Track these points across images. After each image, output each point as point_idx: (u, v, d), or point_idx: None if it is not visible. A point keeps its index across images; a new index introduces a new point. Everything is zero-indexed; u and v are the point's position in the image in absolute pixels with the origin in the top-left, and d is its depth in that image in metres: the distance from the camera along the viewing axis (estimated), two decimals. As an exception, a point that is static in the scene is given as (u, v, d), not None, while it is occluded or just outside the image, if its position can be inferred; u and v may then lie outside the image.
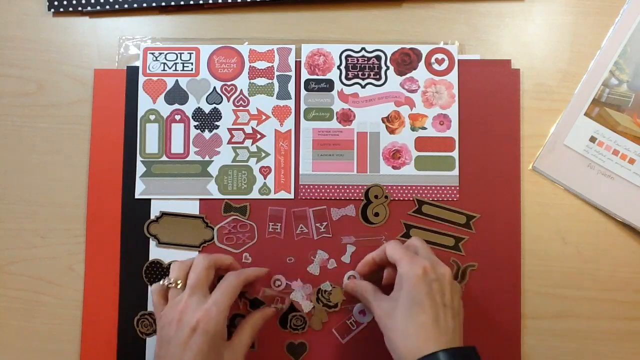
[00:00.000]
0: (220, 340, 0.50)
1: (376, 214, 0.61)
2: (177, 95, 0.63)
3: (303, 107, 0.63)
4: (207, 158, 0.63)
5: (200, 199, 0.62)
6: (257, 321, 0.56)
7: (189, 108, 0.63)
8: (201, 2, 0.64)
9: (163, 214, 0.62)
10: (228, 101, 0.63)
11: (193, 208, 0.62)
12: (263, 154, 0.63)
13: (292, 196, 0.62)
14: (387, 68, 0.63)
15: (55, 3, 0.64)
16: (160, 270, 0.61)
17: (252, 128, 0.63)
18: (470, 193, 0.62)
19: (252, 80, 0.63)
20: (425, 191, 0.62)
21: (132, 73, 0.63)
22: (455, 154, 0.62)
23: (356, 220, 0.62)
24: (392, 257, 0.53)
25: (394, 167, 0.62)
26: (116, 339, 0.61)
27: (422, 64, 0.63)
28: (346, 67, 0.63)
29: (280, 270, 0.61)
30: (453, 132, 0.62)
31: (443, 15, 0.64)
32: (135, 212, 0.62)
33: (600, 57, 0.62)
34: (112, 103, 0.63)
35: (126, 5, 0.64)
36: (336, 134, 0.63)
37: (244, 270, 0.57)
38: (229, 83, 0.63)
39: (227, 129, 0.63)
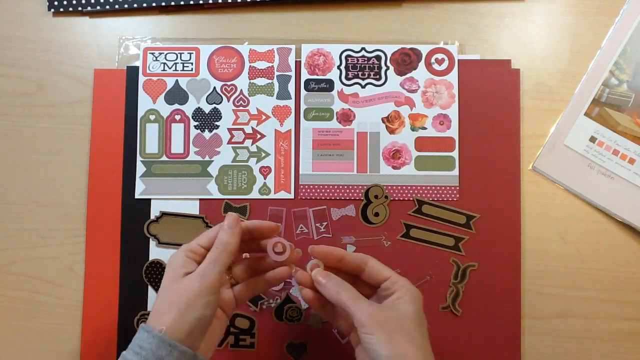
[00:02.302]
0: (180, 271, 0.47)
1: (376, 214, 0.61)
2: (177, 95, 0.63)
3: (303, 107, 0.63)
4: (207, 158, 0.63)
5: (200, 199, 0.62)
6: (214, 253, 0.48)
7: (189, 108, 0.63)
8: (201, 2, 0.64)
9: (163, 214, 0.62)
10: (228, 101, 0.63)
11: (193, 208, 0.62)
12: (263, 154, 0.63)
13: (292, 196, 0.62)
14: (387, 68, 0.63)
15: (55, 3, 0.64)
16: (160, 270, 0.61)
17: (252, 128, 0.63)
18: (470, 193, 0.62)
19: (252, 80, 0.63)
20: (425, 191, 0.62)
21: (132, 73, 0.63)
22: (455, 154, 0.62)
23: (356, 220, 0.62)
24: (383, 272, 0.50)
25: (394, 167, 0.62)
26: (116, 338, 0.61)
27: (422, 64, 0.63)
28: (346, 67, 0.63)
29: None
30: (453, 132, 0.62)
31: (443, 15, 0.64)
32: (135, 212, 0.62)
33: (600, 57, 0.62)
34: (112, 103, 0.63)
35: (126, 5, 0.64)
36: (336, 134, 0.63)
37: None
38: (229, 83, 0.63)
39: (227, 129, 0.63)
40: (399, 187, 0.62)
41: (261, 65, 0.63)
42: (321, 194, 0.62)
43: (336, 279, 0.50)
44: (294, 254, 0.52)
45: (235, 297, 0.52)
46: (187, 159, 0.63)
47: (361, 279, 0.51)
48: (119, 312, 0.61)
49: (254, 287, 0.53)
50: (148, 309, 0.61)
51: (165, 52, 0.64)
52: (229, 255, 0.48)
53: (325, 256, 0.51)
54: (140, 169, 0.62)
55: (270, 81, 0.63)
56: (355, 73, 0.63)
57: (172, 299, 0.46)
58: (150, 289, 0.61)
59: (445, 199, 0.62)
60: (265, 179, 0.62)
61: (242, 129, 0.63)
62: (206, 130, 0.63)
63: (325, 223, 0.62)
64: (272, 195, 0.62)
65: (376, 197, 0.61)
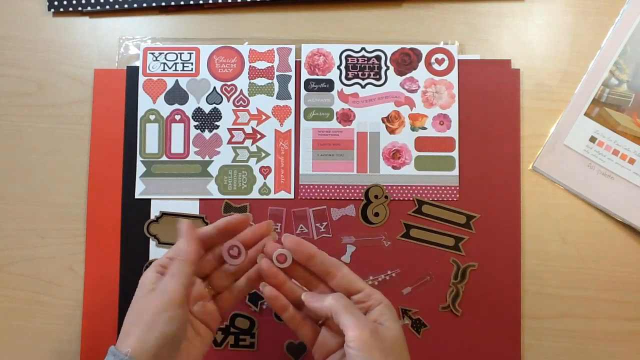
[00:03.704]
0: (148, 288, 0.45)
1: (376, 214, 0.61)
2: (177, 95, 0.63)
3: (303, 107, 0.63)
4: (207, 158, 0.63)
5: (200, 199, 0.62)
6: (173, 265, 0.46)
7: (189, 108, 0.63)
8: (201, 2, 0.64)
9: (163, 214, 0.62)
10: (228, 101, 0.63)
11: (193, 208, 0.62)
12: (263, 154, 0.63)
13: (292, 196, 0.62)
14: (387, 68, 0.63)
15: (55, 3, 0.64)
16: (160, 270, 0.61)
17: (252, 128, 0.63)
18: (470, 193, 0.62)
19: (252, 80, 0.63)
20: (425, 191, 0.62)
21: (132, 73, 0.63)
22: (455, 154, 0.62)
23: (356, 220, 0.62)
24: (357, 283, 0.46)
25: (394, 167, 0.62)
26: (116, 339, 0.61)
27: (422, 64, 0.63)
28: (346, 67, 0.63)
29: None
30: (453, 132, 0.62)
31: (443, 15, 0.64)
32: (135, 212, 0.62)
33: (600, 57, 0.62)
34: (112, 103, 0.63)
35: (126, 5, 0.64)
36: (336, 134, 0.63)
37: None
38: (229, 83, 0.63)
39: (227, 129, 0.63)
40: (399, 187, 0.62)
41: (261, 65, 0.63)
42: (321, 194, 0.62)
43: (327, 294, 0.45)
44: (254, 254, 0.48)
45: (220, 307, 0.49)
46: (187, 159, 0.63)
47: (328, 287, 0.47)
48: (119, 312, 0.61)
49: (237, 292, 0.49)
50: (148, 309, 0.61)
51: (165, 52, 0.64)
52: (190, 265, 0.45)
53: (296, 249, 0.46)
54: (140, 169, 0.62)
55: (270, 81, 0.63)
56: (355, 73, 0.63)
57: (135, 318, 0.44)
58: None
59: (445, 199, 0.62)
60: (265, 179, 0.62)
61: (242, 129, 0.63)
62: (206, 130, 0.63)
63: (325, 223, 0.62)
64: (272, 195, 0.62)
65: (376, 197, 0.61)
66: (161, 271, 0.46)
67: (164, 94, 0.63)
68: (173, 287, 0.44)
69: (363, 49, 0.63)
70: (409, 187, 0.62)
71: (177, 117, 0.63)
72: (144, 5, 0.64)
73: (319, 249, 0.47)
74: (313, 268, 0.47)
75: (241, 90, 0.63)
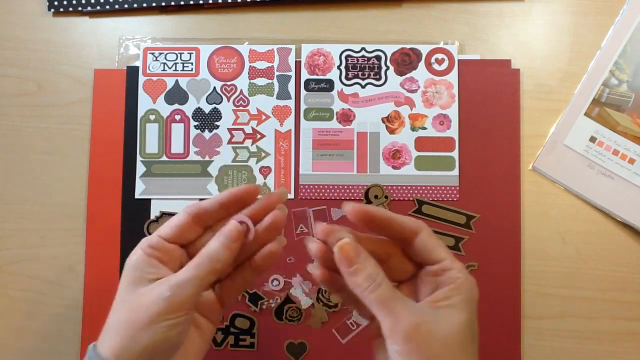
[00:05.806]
0: (136, 276, 0.39)
1: (376, 214, 0.61)
2: (177, 95, 0.63)
3: (303, 107, 0.63)
4: (207, 158, 0.63)
5: (201, 199, 0.62)
6: (195, 269, 0.38)
7: (189, 108, 0.63)
8: (201, 2, 0.64)
9: (163, 214, 0.62)
10: (228, 101, 0.63)
11: (193, 208, 0.62)
12: (263, 154, 0.63)
13: (292, 196, 0.62)
14: (387, 68, 0.63)
15: (55, 3, 0.64)
16: (160, 270, 0.61)
17: (252, 128, 0.63)
18: (470, 193, 0.62)
19: (252, 80, 0.63)
20: (425, 191, 0.62)
21: (132, 73, 0.63)
22: (455, 154, 0.62)
23: (356, 220, 0.62)
24: (436, 252, 0.38)
25: (394, 167, 0.62)
26: (116, 339, 0.61)
27: (422, 64, 0.63)
28: (346, 67, 0.63)
29: (279, 270, 0.61)
30: (453, 132, 0.62)
31: (443, 15, 0.64)
32: (135, 212, 0.62)
33: (600, 57, 0.62)
34: (112, 103, 0.63)
35: (126, 5, 0.64)
36: (336, 134, 0.63)
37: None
38: (229, 83, 0.63)
39: (227, 129, 0.63)
40: (399, 187, 0.62)
41: (261, 65, 0.63)
42: (321, 194, 0.62)
43: (366, 264, 0.37)
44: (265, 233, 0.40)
45: (219, 297, 0.42)
46: (187, 159, 0.63)
47: (400, 249, 0.40)
48: (119, 312, 0.61)
49: (240, 280, 0.42)
50: (148, 309, 0.61)
51: (165, 52, 0.64)
52: (215, 273, 0.38)
53: (365, 218, 0.38)
54: (140, 169, 0.62)
55: (270, 81, 0.63)
56: (355, 73, 0.63)
57: (126, 314, 0.36)
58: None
59: (445, 199, 0.62)
60: (265, 179, 0.62)
61: (242, 129, 0.63)
62: (206, 130, 0.63)
63: (325, 223, 0.62)
64: (272, 195, 0.62)
65: (376, 197, 0.61)
66: (152, 254, 0.39)
67: (164, 94, 0.63)
68: (187, 294, 0.36)
69: (363, 49, 0.63)
70: (409, 187, 0.62)
71: (177, 117, 0.63)
72: (144, 5, 0.64)
73: (390, 212, 0.39)
74: (385, 233, 0.40)
75: (241, 90, 0.63)
